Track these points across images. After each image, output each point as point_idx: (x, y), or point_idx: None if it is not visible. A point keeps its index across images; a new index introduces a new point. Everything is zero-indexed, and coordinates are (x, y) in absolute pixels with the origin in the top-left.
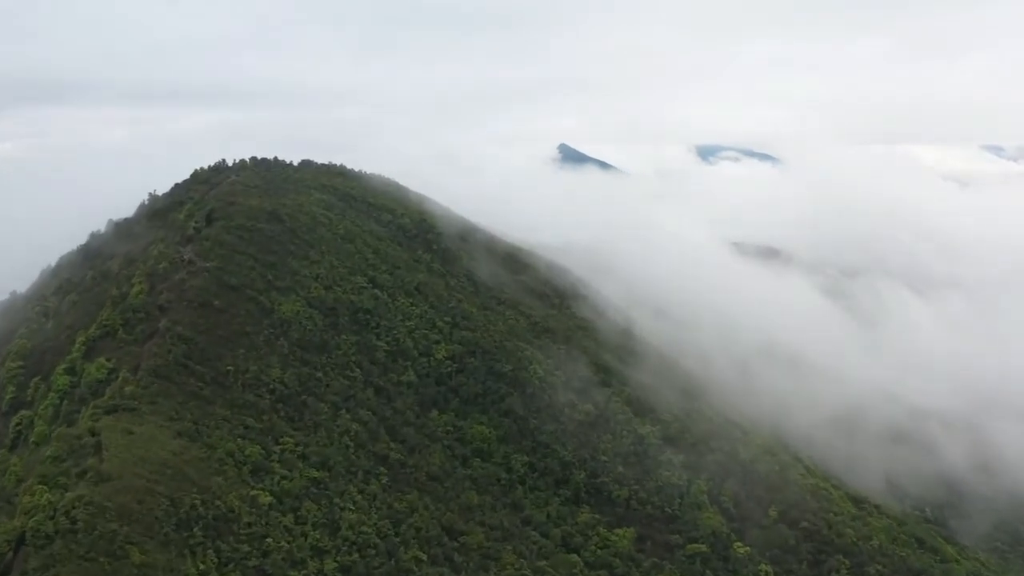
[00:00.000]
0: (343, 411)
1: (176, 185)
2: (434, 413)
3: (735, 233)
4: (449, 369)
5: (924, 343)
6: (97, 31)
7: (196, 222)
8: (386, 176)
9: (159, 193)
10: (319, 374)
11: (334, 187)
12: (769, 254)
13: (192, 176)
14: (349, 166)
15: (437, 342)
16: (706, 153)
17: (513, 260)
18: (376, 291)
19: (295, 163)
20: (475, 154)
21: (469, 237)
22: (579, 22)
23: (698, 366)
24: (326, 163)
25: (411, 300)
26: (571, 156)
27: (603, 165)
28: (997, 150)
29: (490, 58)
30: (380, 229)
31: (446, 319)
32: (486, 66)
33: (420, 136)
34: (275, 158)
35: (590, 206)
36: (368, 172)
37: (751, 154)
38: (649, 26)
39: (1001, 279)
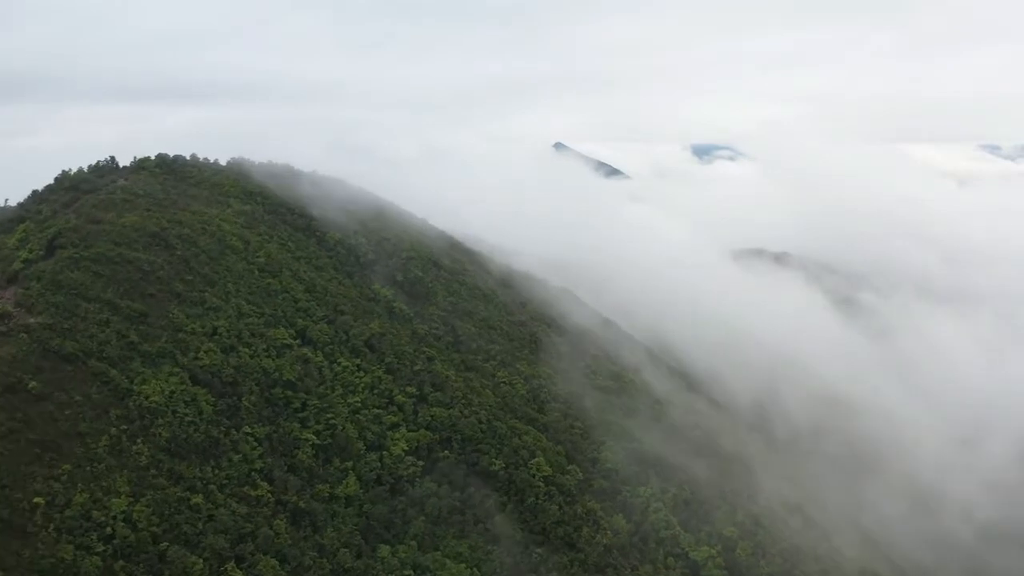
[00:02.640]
0: (230, 564)
1: (34, 192)
2: (384, 549)
3: (735, 237)
4: (411, 470)
5: (965, 370)
6: (77, 25)
7: (31, 250)
8: (347, 178)
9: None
10: (196, 499)
11: (265, 195)
12: (772, 260)
13: (56, 180)
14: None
15: (395, 427)
16: (702, 152)
17: (507, 291)
18: (306, 350)
19: (222, 162)
20: (468, 153)
21: (449, 260)
22: (576, 20)
23: (735, 427)
24: (265, 161)
25: (359, 362)
26: (566, 155)
27: (599, 164)
28: (994, 149)
29: (486, 54)
30: (323, 255)
31: (410, 389)
32: (482, 62)
33: (411, 134)
34: (192, 155)
35: (586, 209)
36: (321, 174)
37: (747, 153)
38: (647, 23)
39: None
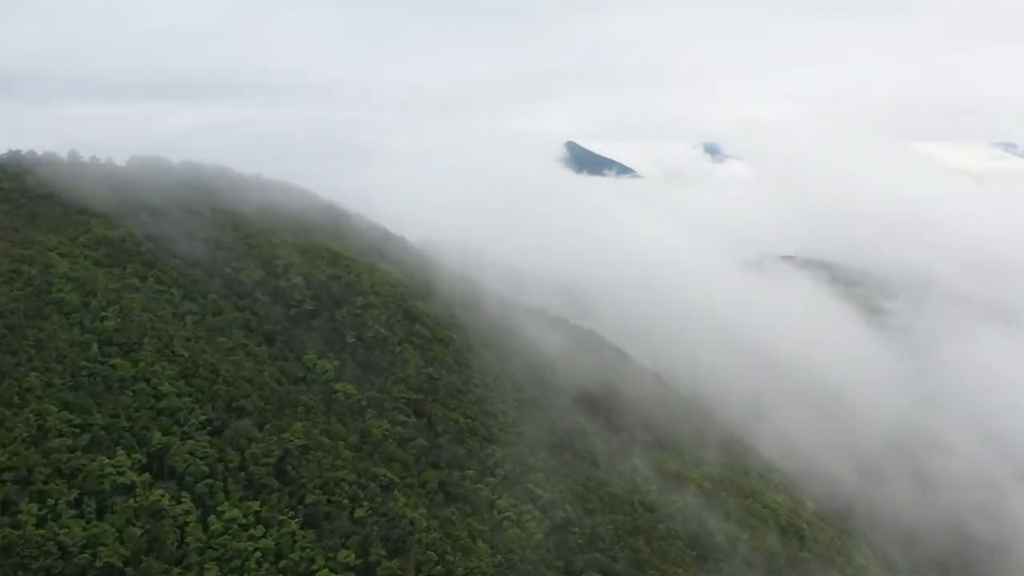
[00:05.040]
0: None
1: None
2: None
3: (753, 241)
4: None
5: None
6: (68, 20)
7: None
8: (312, 183)
9: None
10: None
11: (155, 212)
12: (792, 265)
13: None
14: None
15: None
16: (714, 150)
17: (508, 342)
18: (159, 494)
19: (121, 162)
20: (473, 153)
21: (432, 305)
22: (581, 20)
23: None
24: (185, 163)
25: (258, 507)
26: (579, 155)
27: (612, 164)
28: (1009, 147)
29: (489, 53)
30: (230, 307)
31: (345, 556)
32: (486, 62)
33: (412, 134)
34: (72, 152)
35: (596, 213)
36: (268, 178)
37: (761, 152)
38: (659, 20)
39: None
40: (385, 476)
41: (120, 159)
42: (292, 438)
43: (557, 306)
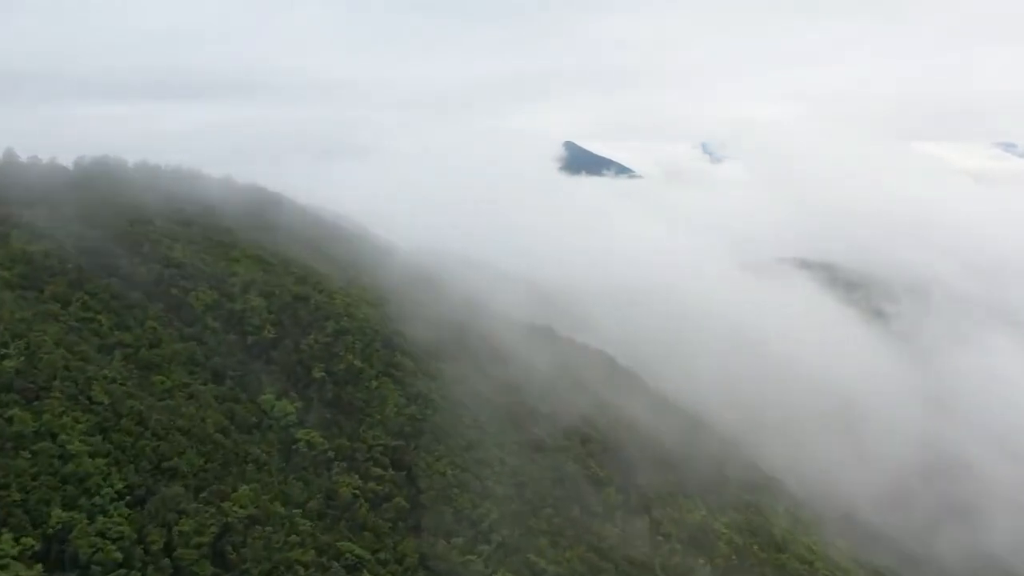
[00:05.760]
0: None
1: None
2: None
3: (753, 243)
4: None
5: None
6: (68, 20)
7: None
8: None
9: None
10: None
11: (95, 221)
12: (792, 266)
13: None
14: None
15: None
16: (713, 150)
17: (509, 372)
18: None
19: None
20: (475, 154)
21: (421, 327)
22: (580, 21)
23: None
24: (140, 164)
25: None
26: (578, 155)
27: (611, 164)
28: (1009, 147)
29: (490, 52)
30: (171, 335)
31: None
32: (486, 60)
33: (415, 133)
34: (6, 150)
35: (601, 216)
36: (243, 183)
37: (761, 152)
38: (659, 20)
39: None
40: (352, 553)
41: (67, 159)
42: (236, 507)
43: (555, 315)
